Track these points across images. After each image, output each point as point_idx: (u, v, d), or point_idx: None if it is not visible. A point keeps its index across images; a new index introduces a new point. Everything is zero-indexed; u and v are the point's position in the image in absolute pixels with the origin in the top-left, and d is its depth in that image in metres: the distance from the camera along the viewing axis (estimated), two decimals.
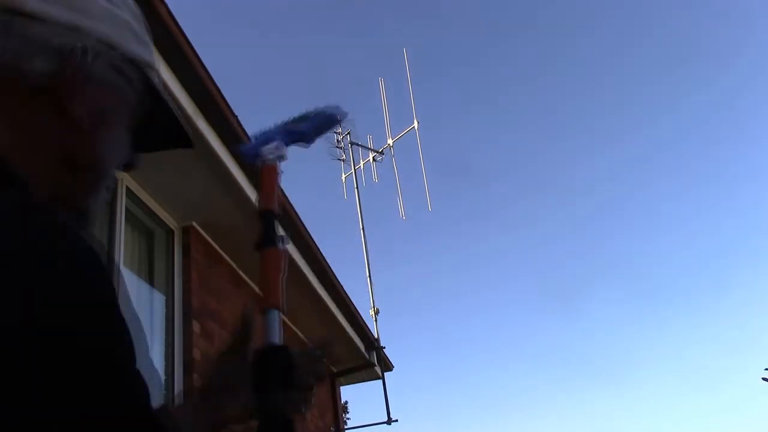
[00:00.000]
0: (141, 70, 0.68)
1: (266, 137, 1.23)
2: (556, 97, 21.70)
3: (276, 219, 1.09)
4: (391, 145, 10.12)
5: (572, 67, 21.05)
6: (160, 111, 0.72)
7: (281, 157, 1.16)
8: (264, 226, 1.07)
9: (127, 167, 0.73)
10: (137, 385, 0.49)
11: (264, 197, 1.10)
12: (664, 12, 19.35)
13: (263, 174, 1.16)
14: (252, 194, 4.46)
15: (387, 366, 8.36)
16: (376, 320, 8.56)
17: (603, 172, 21.37)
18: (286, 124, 1.25)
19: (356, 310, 6.94)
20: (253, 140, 1.26)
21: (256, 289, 5.68)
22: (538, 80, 21.77)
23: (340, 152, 10.13)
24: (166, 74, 3.30)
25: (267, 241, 1.06)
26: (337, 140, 10.15)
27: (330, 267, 5.94)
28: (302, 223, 5.20)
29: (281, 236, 1.08)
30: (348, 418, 14.98)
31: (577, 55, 21.44)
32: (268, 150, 1.20)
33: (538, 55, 21.85)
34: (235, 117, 3.92)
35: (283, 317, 1.10)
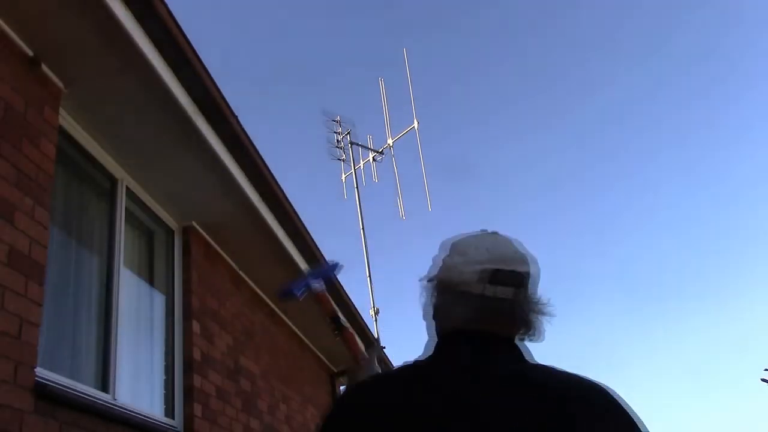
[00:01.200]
0: None
1: (305, 280, 2.13)
2: (557, 98, 21.69)
3: (337, 318, 1.97)
4: (391, 145, 10.12)
5: (574, 68, 21.03)
6: None
7: (323, 288, 2.02)
8: (335, 322, 1.94)
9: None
10: None
11: (330, 310, 1.97)
12: (674, 15, 19.34)
13: (321, 297, 2.02)
14: (252, 194, 4.46)
15: (387, 366, 8.35)
16: (376, 320, 8.57)
17: (604, 171, 21.37)
18: (309, 271, 2.34)
19: (356, 310, 6.94)
20: (297, 283, 2.14)
21: (256, 289, 5.70)
22: (538, 80, 21.75)
23: (340, 152, 10.14)
24: (166, 74, 3.30)
25: (341, 326, 1.94)
26: (337, 140, 10.17)
27: None
28: (302, 223, 5.20)
29: (345, 321, 2.00)
30: None
31: (580, 56, 21.42)
32: (317, 284, 2.07)
33: (540, 55, 21.84)
34: (235, 117, 3.92)
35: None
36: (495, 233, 1.16)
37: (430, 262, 1.20)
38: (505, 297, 1.06)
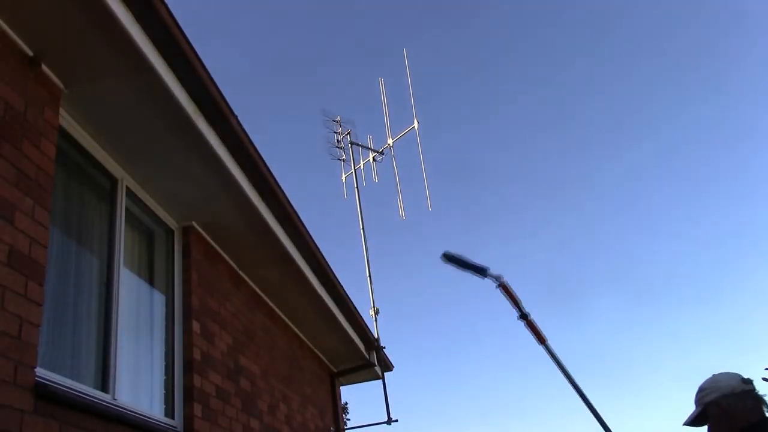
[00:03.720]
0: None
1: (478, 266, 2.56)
2: (558, 99, 21.67)
3: (520, 307, 2.39)
4: (391, 145, 10.13)
5: (577, 69, 21.00)
6: None
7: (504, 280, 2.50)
8: (520, 309, 2.38)
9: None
10: None
11: (514, 300, 2.38)
12: (668, 18, 19.28)
13: (507, 289, 2.40)
14: (252, 194, 4.47)
15: (387, 366, 8.36)
16: (376, 320, 8.57)
17: (606, 172, 21.35)
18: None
19: (356, 310, 6.94)
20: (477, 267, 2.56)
21: (256, 289, 5.70)
22: (540, 80, 21.73)
23: (340, 152, 10.14)
24: (166, 74, 3.30)
25: (525, 313, 2.37)
26: (337, 140, 10.17)
27: (330, 267, 5.94)
28: (302, 222, 5.20)
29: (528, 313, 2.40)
30: (348, 420, 14.99)
31: (581, 57, 21.39)
32: (496, 276, 2.46)
33: (540, 56, 21.81)
34: (235, 117, 3.92)
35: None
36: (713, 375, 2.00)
37: (694, 406, 1.99)
38: (755, 388, 1.86)
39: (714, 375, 2.01)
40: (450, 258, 2.64)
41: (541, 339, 2.34)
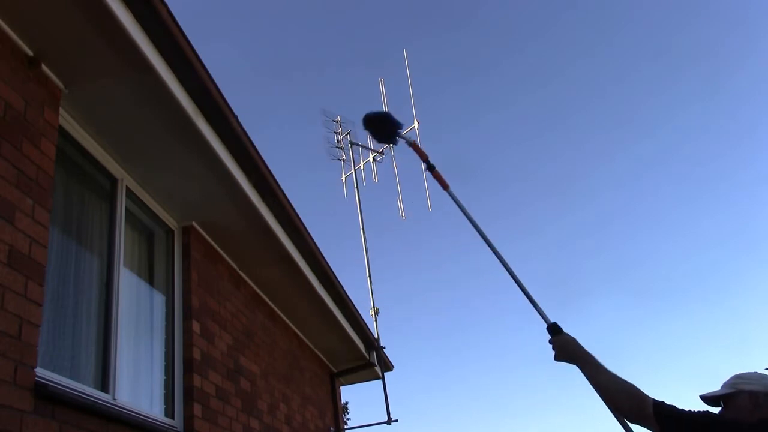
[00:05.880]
0: None
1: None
2: (558, 99, 21.66)
3: (430, 163, 2.58)
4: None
5: (577, 70, 20.98)
6: None
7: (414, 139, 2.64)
8: (427, 163, 2.59)
9: None
10: None
11: (423, 155, 2.59)
12: (670, 20, 19.24)
13: (415, 146, 2.62)
14: (252, 194, 4.47)
15: (387, 366, 8.36)
16: (376, 320, 8.56)
17: (606, 172, 21.33)
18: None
19: (356, 310, 6.94)
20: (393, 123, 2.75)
21: (256, 289, 5.70)
22: (539, 81, 21.73)
23: (340, 152, 10.14)
24: (166, 74, 3.30)
25: (433, 167, 2.56)
26: (337, 140, 10.16)
27: (330, 267, 5.94)
28: (302, 222, 5.20)
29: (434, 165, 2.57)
30: (348, 419, 14.99)
31: (581, 58, 21.37)
32: (406, 135, 2.67)
33: (541, 56, 21.80)
34: (235, 117, 3.92)
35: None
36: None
37: (722, 388, 2.08)
38: None
39: (763, 372, 2.10)
40: (370, 122, 2.75)
41: (444, 186, 2.57)
